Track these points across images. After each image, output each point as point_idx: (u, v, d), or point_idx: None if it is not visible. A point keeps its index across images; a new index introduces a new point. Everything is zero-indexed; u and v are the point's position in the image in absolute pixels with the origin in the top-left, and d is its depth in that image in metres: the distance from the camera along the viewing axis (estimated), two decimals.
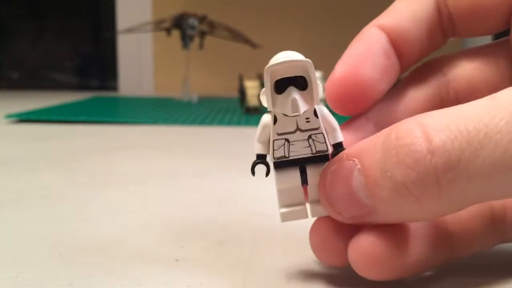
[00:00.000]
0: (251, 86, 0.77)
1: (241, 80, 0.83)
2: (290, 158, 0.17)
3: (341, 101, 0.18)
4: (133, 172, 0.37)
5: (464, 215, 0.18)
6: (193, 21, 0.97)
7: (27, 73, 1.46)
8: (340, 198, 0.16)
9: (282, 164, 0.17)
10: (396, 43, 0.19)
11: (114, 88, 1.38)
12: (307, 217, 0.17)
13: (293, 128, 0.16)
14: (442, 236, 0.17)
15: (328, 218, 0.17)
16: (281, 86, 0.16)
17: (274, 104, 0.16)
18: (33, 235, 0.23)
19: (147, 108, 0.85)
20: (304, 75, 0.16)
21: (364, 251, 0.15)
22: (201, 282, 0.18)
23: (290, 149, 0.16)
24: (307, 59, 0.15)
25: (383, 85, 0.18)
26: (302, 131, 0.16)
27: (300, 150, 0.16)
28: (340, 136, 0.16)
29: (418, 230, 0.16)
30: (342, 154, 0.16)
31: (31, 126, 0.61)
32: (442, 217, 0.17)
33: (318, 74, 0.78)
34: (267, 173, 0.18)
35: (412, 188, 0.14)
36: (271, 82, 0.16)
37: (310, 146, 0.16)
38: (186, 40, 0.99)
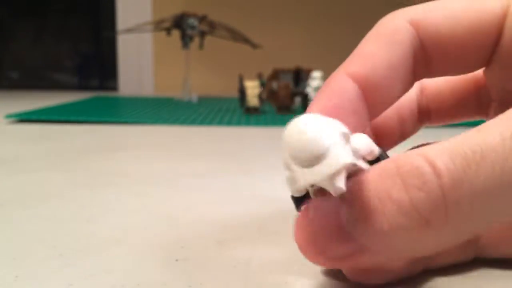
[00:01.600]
0: (251, 86, 0.77)
1: (241, 80, 0.83)
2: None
3: None
4: (133, 172, 0.37)
5: None
6: (193, 21, 0.97)
7: (27, 73, 1.47)
8: (325, 234, 0.15)
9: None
10: (368, 94, 0.17)
11: (114, 88, 1.38)
12: None
13: None
14: None
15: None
16: None
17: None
18: (33, 235, 0.23)
19: (147, 108, 0.85)
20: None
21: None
22: (201, 282, 0.18)
23: None
24: (346, 162, 0.14)
25: None
26: None
27: None
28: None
29: None
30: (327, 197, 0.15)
31: (31, 126, 0.61)
32: None
33: (318, 74, 0.78)
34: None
35: (421, 208, 0.13)
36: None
37: None
38: (186, 40, 0.99)
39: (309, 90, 0.78)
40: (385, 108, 0.19)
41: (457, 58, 0.18)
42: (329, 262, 0.15)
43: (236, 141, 0.54)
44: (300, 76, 0.87)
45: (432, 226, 0.13)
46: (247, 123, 0.67)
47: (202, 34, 1.01)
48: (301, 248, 0.15)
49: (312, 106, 0.17)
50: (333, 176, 0.13)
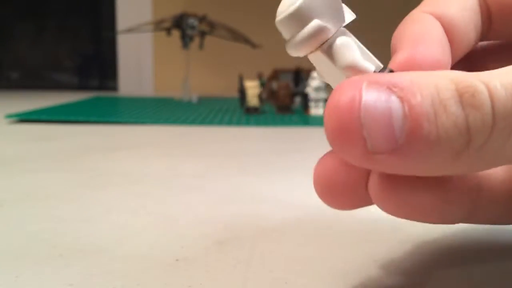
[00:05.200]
0: (251, 86, 0.77)
1: (241, 80, 0.83)
2: None
3: None
4: (133, 172, 0.37)
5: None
6: (193, 21, 0.97)
7: (27, 73, 1.47)
8: (373, 120, 0.12)
9: None
10: (448, 33, 0.17)
11: (114, 88, 1.38)
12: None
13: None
14: None
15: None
16: None
17: None
18: (33, 235, 0.23)
19: (147, 108, 0.85)
20: None
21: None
22: (201, 282, 0.18)
23: None
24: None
25: None
26: None
27: None
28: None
29: None
30: (380, 76, 0.13)
31: (31, 126, 0.61)
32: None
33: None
34: None
35: (473, 128, 0.12)
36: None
37: None
38: (186, 40, 0.99)
39: (309, 90, 0.78)
40: (463, 54, 0.18)
41: None
42: (358, 156, 0.13)
43: (236, 141, 0.54)
44: (300, 76, 0.87)
45: (473, 148, 0.13)
46: (247, 123, 0.67)
47: (202, 34, 1.01)
48: (337, 134, 0.13)
49: (400, 34, 0.16)
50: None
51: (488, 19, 0.18)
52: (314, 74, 0.78)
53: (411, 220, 0.15)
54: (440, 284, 0.18)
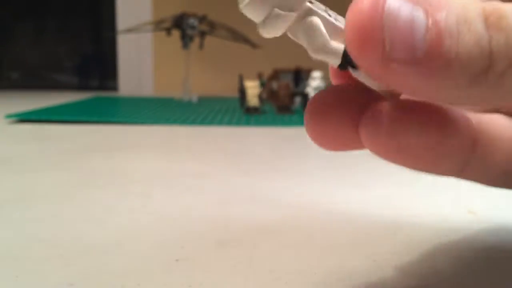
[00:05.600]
0: (251, 86, 0.77)
1: (241, 80, 0.83)
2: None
3: None
4: (133, 172, 0.37)
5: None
6: (193, 21, 0.97)
7: (27, 73, 1.47)
8: (395, 26, 0.12)
9: None
10: None
11: (114, 88, 1.38)
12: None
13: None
14: None
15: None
16: None
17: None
18: (33, 235, 0.23)
19: (147, 108, 0.85)
20: None
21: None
22: (201, 282, 0.18)
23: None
24: None
25: None
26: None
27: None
28: None
29: None
30: None
31: (31, 126, 0.61)
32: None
33: (318, 74, 0.78)
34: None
35: (495, 51, 0.12)
36: None
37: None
38: (186, 40, 0.99)
39: (309, 90, 0.78)
40: None
41: None
42: (379, 62, 0.12)
43: (236, 141, 0.54)
44: (300, 76, 0.87)
45: (492, 73, 0.12)
46: (247, 123, 0.67)
47: (202, 34, 1.01)
48: (357, 35, 0.12)
49: None
50: None
51: None
52: (314, 74, 0.78)
53: (400, 165, 0.15)
54: (440, 284, 0.18)
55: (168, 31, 1.01)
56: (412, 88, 0.13)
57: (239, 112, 0.81)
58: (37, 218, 0.25)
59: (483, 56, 0.12)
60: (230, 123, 0.67)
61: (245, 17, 0.15)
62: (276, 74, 0.88)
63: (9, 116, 0.67)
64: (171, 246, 0.22)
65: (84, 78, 1.49)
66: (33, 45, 1.44)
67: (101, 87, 1.45)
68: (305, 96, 0.80)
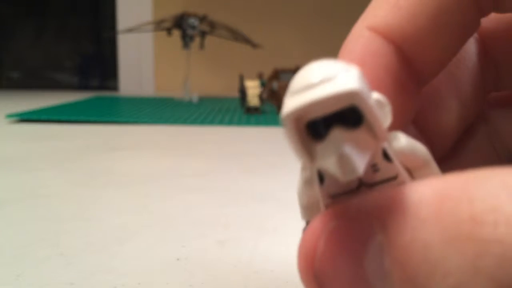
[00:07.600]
0: (251, 86, 0.77)
1: (241, 80, 0.83)
2: None
3: None
4: (133, 172, 0.37)
5: None
6: (193, 21, 0.97)
7: (27, 73, 1.47)
8: (340, 278, 0.09)
9: None
10: (410, 54, 0.12)
11: (114, 88, 1.38)
12: None
13: (353, 185, 0.10)
14: None
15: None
16: (317, 126, 0.09)
17: (312, 156, 0.10)
18: (33, 235, 0.23)
19: (147, 108, 0.85)
20: (355, 103, 0.09)
21: None
22: (202, 281, 0.18)
23: None
24: (354, 86, 0.08)
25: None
26: (369, 185, 0.10)
27: None
28: (437, 168, 0.10)
29: None
30: (355, 204, 0.09)
31: (31, 126, 0.61)
32: None
33: None
34: None
35: None
36: (298, 127, 0.09)
37: None
38: (186, 40, 0.99)
39: None
40: (435, 75, 0.12)
41: None
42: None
43: (236, 141, 0.54)
44: None
45: None
46: (247, 123, 0.67)
47: (203, 34, 1.01)
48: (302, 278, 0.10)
49: None
50: (339, 97, 0.08)
51: (495, 67, 0.14)
52: None
53: None
54: None
55: (169, 31, 1.01)
56: None
57: (240, 112, 0.81)
58: (37, 217, 0.25)
59: None
60: (230, 123, 0.67)
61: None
62: (276, 74, 0.88)
63: (9, 116, 0.67)
64: (172, 246, 0.22)
65: (84, 78, 1.49)
66: (33, 45, 1.44)
67: (102, 87, 1.45)
68: None
